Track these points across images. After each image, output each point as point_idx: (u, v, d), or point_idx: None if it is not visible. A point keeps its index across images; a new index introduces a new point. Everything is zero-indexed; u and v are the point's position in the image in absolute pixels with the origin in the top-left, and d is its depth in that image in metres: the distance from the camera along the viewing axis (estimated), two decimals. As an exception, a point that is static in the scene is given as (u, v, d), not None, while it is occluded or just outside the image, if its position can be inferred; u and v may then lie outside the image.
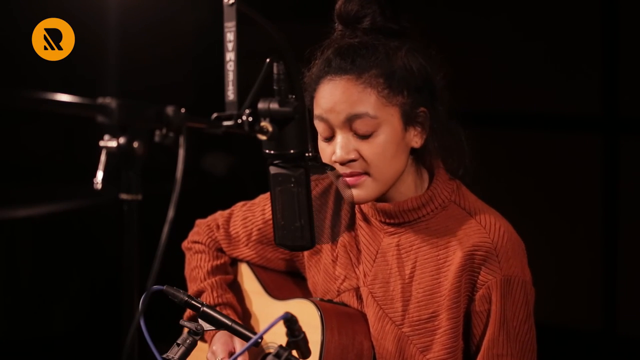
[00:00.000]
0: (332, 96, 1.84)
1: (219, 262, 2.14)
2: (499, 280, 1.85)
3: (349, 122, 1.83)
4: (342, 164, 1.85)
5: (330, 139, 1.87)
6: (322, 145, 1.89)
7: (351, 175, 1.86)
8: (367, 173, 1.86)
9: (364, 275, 1.98)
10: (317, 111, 1.87)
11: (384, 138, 1.84)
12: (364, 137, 1.83)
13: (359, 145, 1.84)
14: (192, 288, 2.12)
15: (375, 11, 1.88)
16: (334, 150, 1.86)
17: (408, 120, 1.86)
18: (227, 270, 2.16)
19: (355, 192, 1.87)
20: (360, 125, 1.83)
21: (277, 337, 1.89)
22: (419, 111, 1.87)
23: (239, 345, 1.97)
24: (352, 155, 1.84)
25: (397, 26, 1.90)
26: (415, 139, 1.89)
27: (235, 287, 2.16)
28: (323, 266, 2.05)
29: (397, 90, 1.84)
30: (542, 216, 4.21)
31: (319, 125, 1.88)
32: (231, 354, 1.96)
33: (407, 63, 1.86)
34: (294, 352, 1.60)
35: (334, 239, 2.04)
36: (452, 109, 1.92)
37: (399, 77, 1.84)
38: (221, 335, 2.01)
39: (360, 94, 1.82)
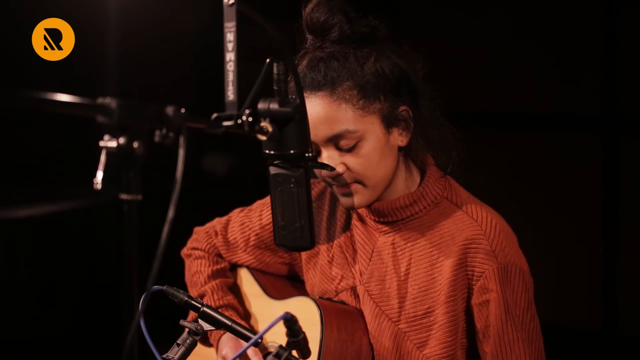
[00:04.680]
0: (310, 117, 1.78)
1: (218, 266, 2.15)
2: (496, 269, 1.84)
3: (331, 140, 1.83)
4: (332, 178, 1.86)
5: None
6: None
7: (343, 186, 1.86)
8: (357, 182, 1.86)
9: (360, 274, 1.98)
10: None
11: (368, 147, 1.83)
12: (348, 150, 1.83)
13: (344, 159, 1.84)
14: (193, 293, 2.12)
15: (341, 20, 1.84)
16: None
17: (390, 123, 1.85)
18: (226, 274, 2.17)
19: (350, 200, 1.88)
20: (343, 141, 1.82)
21: (277, 337, 1.89)
22: (400, 111, 1.86)
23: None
24: (340, 169, 1.84)
25: (367, 29, 1.86)
26: (400, 138, 1.88)
27: (235, 290, 2.16)
28: (320, 267, 2.06)
29: (373, 98, 1.82)
30: (542, 216, 4.22)
31: None
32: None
33: (379, 67, 1.83)
34: (294, 352, 1.60)
35: (330, 240, 2.03)
36: (434, 99, 1.90)
37: (372, 84, 1.82)
38: (228, 339, 2.02)
39: (337, 112, 1.81)
